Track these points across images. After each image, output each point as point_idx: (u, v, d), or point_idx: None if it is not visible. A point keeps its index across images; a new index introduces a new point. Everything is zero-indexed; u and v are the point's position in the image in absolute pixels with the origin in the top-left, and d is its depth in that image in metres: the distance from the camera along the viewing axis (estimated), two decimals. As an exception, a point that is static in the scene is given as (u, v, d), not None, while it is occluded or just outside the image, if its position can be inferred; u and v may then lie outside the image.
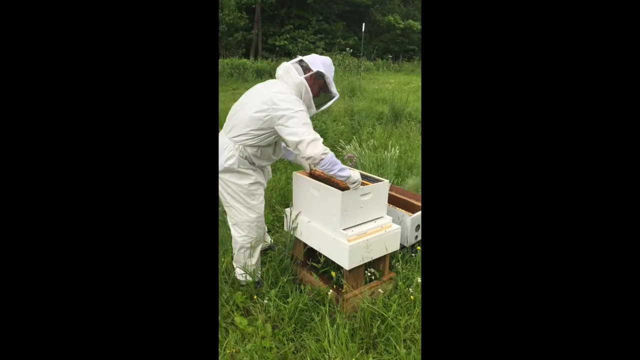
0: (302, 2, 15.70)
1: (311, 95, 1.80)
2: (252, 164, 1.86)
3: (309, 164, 1.85)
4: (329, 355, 1.57)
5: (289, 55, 14.17)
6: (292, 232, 2.08)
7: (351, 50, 14.93)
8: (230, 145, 1.82)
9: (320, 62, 1.82)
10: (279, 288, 1.90)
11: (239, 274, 2.03)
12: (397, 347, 1.55)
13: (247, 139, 1.80)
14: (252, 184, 1.88)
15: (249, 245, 1.97)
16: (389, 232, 1.92)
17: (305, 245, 2.06)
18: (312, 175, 2.05)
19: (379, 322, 1.69)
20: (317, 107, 1.86)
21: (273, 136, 1.81)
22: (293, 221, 2.03)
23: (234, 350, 1.62)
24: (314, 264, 1.95)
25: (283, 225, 2.70)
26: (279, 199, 3.11)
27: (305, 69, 1.81)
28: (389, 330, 1.67)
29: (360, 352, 1.60)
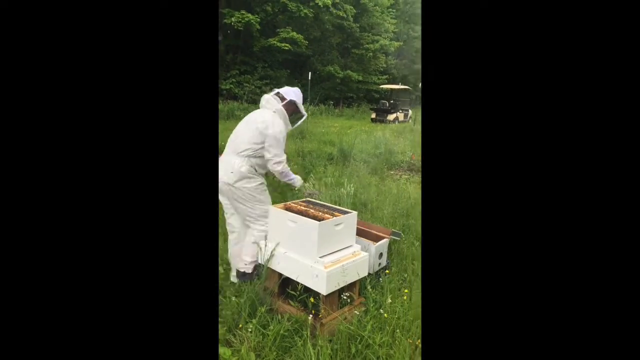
0: (247, 49, 16.39)
1: (287, 116, 2.46)
2: (256, 171, 2.40)
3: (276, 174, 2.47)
4: (313, 377, 1.66)
5: (235, 99, 14.46)
6: (266, 264, 2.19)
7: (295, 96, 15.66)
8: (238, 159, 2.36)
9: (292, 92, 2.52)
10: (259, 318, 1.97)
11: (233, 276, 2.47)
12: (376, 362, 1.70)
13: (251, 152, 2.36)
14: (259, 184, 2.42)
15: (263, 237, 2.33)
16: (359, 258, 2.12)
17: (280, 276, 2.17)
18: (287, 208, 2.22)
19: (356, 341, 1.83)
20: (292, 124, 2.53)
21: None
22: (271, 252, 2.15)
23: (220, 381, 1.65)
24: (292, 292, 2.06)
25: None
26: (243, 236, 3.18)
27: (282, 98, 2.47)
28: (365, 348, 1.82)
29: (342, 371, 1.72)
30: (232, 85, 15.26)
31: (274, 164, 2.36)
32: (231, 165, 2.35)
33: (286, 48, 16.11)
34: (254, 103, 14.42)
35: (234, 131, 2.51)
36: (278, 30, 16.46)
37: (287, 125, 2.46)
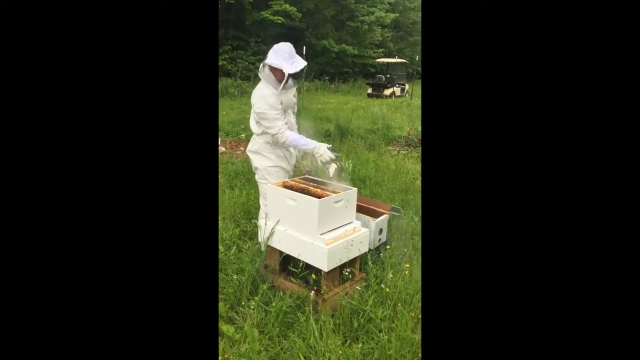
0: (239, 24, 15.89)
1: (276, 80, 2.22)
2: (272, 148, 2.35)
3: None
4: (316, 351, 1.69)
5: (229, 76, 14.14)
6: (267, 242, 2.18)
7: (290, 72, 15.32)
8: (256, 137, 2.37)
9: (271, 54, 2.21)
10: (261, 295, 1.98)
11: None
12: (379, 336, 1.73)
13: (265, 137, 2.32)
14: (271, 166, 2.38)
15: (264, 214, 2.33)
16: (359, 235, 2.12)
17: (280, 254, 2.17)
18: (287, 186, 2.19)
19: (358, 316, 1.85)
20: (284, 86, 2.21)
21: None
22: (271, 230, 2.14)
23: (225, 357, 1.67)
24: (293, 269, 2.06)
25: (250, 238, 2.77)
26: (242, 214, 3.17)
27: (263, 65, 2.25)
28: (367, 322, 1.85)
29: (345, 345, 1.75)
30: (224, 62, 14.88)
31: (274, 136, 2.23)
32: (252, 143, 2.42)
33: (279, 21, 15.63)
34: (248, 79, 14.13)
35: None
36: (270, 2, 15.92)
37: (275, 90, 2.21)
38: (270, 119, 2.21)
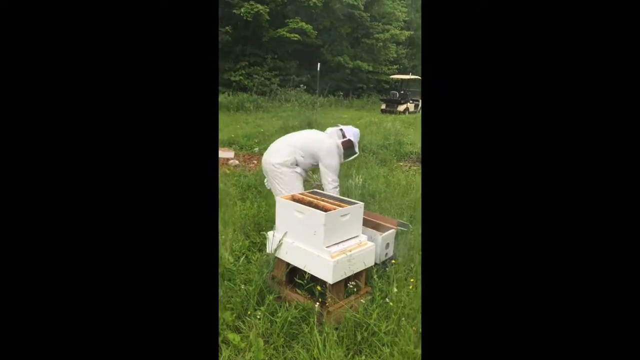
0: (256, 40, 16.34)
1: (342, 151, 2.89)
2: (297, 165, 2.85)
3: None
4: (320, 362, 1.71)
5: (245, 90, 14.48)
6: (275, 253, 2.23)
7: (305, 87, 15.64)
8: (290, 154, 2.81)
9: (351, 132, 2.93)
10: (267, 305, 2.02)
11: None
12: (381, 349, 1.74)
13: (299, 158, 2.82)
14: (293, 171, 2.81)
15: None
16: (365, 248, 2.15)
17: (287, 265, 2.22)
18: (295, 199, 2.25)
19: (362, 329, 1.87)
20: (345, 157, 2.95)
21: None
22: (279, 242, 2.19)
23: (230, 365, 1.71)
24: (299, 280, 2.10)
25: (260, 249, 2.82)
26: (252, 226, 3.24)
27: (343, 135, 2.90)
28: (371, 336, 1.86)
29: (348, 357, 1.77)
30: (241, 77, 15.27)
31: (332, 188, 2.79)
32: (280, 151, 2.82)
33: (295, 38, 16.02)
34: (264, 94, 14.43)
35: (302, 133, 3.01)
36: (287, 20, 16.35)
37: (340, 157, 2.90)
38: (337, 174, 2.85)
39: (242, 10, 14.54)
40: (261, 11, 14.76)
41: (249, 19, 14.85)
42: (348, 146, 2.93)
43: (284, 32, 15.89)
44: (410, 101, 15.79)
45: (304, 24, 16.10)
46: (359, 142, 3.02)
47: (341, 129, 2.93)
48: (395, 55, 21.57)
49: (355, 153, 3.00)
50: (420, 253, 2.69)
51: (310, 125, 8.48)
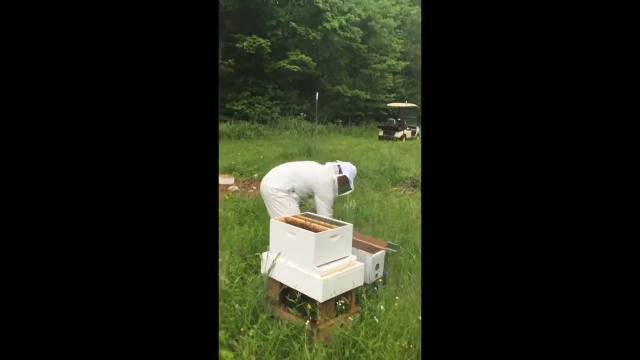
0: (258, 72, 16.95)
1: (337, 186, 3.12)
2: (294, 191, 3.07)
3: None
4: (309, 378, 1.78)
5: (247, 119, 14.88)
6: (269, 273, 2.33)
7: (305, 115, 16.04)
8: (287, 182, 3.03)
9: (348, 169, 3.17)
10: (260, 324, 2.10)
11: None
12: (368, 365, 1.82)
13: (296, 186, 3.05)
14: (288, 196, 3.06)
15: None
16: (354, 268, 2.25)
17: (280, 285, 2.31)
18: (288, 221, 2.38)
19: (350, 346, 1.95)
20: (339, 192, 3.18)
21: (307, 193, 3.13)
22: (272, 262, 2.30)
23: (222, 381, 1.78)
24: (291, 299, 2.19)
25: (255, 272, 2.91)
26: (249, 249, 3.34)
27: (339, 171, 3.13)
28: (358, 353, 1.93)
29: (336, 373, 1.83)
30: (243, 106, 15.73)
31: (329, 214, 3.03)
32: (279, 177, 3.06)
33: (296, 70, 16.60)
34: (264, 123, 14.78)
35: (301, 164, 3.28)
36: (288, 52, 17.02)
37: (335, 192, 3.13)
38: (331, 204, 3.13)
39: (245, 44, 15.19)
40: (263, 44, 15.40)
41: (251, 52, 15.47)
42: (343, 182, 3.15)
43: (285, 64, 16.50)
44: (407, 128, 16.15)
45: (303, 55, 16.74)
46: (355, 179, 3.26)
47: (338, 165, 3.16)
48: (392, 84, 22.22)
49: (350, 189, 3.22)
50: (410, 274, 2.77)
51: (309, 152, 8.70)
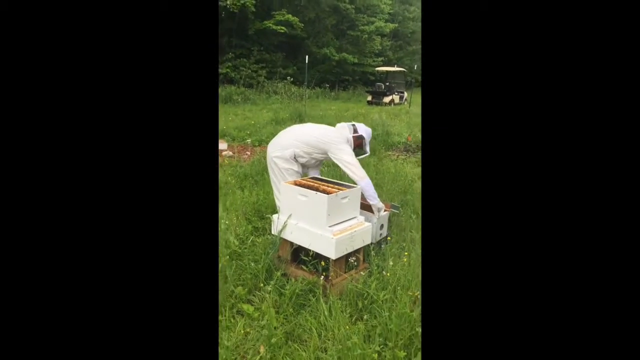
0: (242, 33, 16.28)
1: (352, 147, 2.78)
2: (296, 160, 2.80)
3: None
4: (326, 327, 1.93)
5: (232, 83, 14.47)
6: (280, 234, 2.43)
7: (292, 79, 15.71)
8: (291, 148, 2.74)
9: (364, 129, 2.87)
10: (276, 280, 2.22)
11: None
12: (381, 314, 1.97)
13: (302, 152, 2.75)
14: (290, 167, 2.77)
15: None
16: (363, 228, 2.37)
17: (292, 245, 2.42)
18: (298, 184, 2.45)
19: (362, 298, 2.10)
20: (355, 155, 2.77)
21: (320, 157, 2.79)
22: (284, 223, 2.39)
23: (246, 331, 1.91)
24: (305, 257, 2.31)
25: (262, 234, 3.01)
26: (253, 213, 3.42)
27: (355, 130, 2.83)
28: (370, 304, 2.09)
29: (352, 321, 1.99)
30: (228, 69, 15.23)
31: (361, 180, 2.58)
32: (278, 145, 2.78)
33: (282, 31, 16.02)
34: (251, 87, 14.43)
35: (306, 126, 2.90)
36: (273, 12, 16.33)
37: (352, 151, 2.75)
38: (358, 166, 2.65)
39: (228, 2, 14.45)
40: (247, 3, 14.70)
41: (235, 10, 14.77)
42: (358, 143, 2.82)
43: (270, 24, 15.88)
44: (396, 93, 16.07)
45: (290, 16, 16.11)
46: (369, 142, 2.91)
47: (353, 124, 2.85)
48: (380, 47, 21.79)
49: (366, 152, 2.90)
50: (411, 232, 2.93)
51: (300, 117, 8.64)
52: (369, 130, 2.92)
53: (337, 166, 2.76)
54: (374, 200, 2.61)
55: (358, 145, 2.85)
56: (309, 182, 2.50)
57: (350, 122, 2.92)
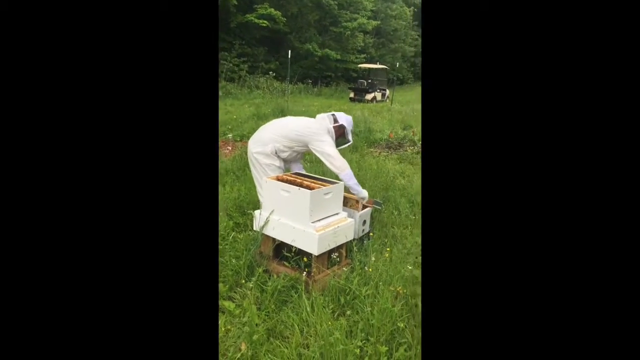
0: (223, 26, 15.98)
1: (334, 138, 2.76)
2: (277, 156, 2.76)
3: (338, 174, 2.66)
4: (308, 323, 1.92)
5: (212, 76, 14.17)
6: (261, 230, 2.40)
7: (274, 74, 15.56)
8: (271, 142, 2.71)
9: (344, 118, 2.84)
10: (257, 276, 2.19)
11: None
12: (363, 309, 1.98)
13: (282, 147, 2.72)
14: (272, 163, 2.75)
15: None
16: (346, 224, 2.37)
17: (274, 241, 2.39)
18: (280, 179, 2.42)
19: (345, 294, 2.10)
20: (337, 145, 2.77)
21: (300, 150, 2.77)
22: (266, 219, 2.36)
23: (227, 328, 1.88)
24: (287, 253, 2.29)
25: (243, 230, 2.97)
26: (234, 209, 3.37)
27: (335, 120, 2.79)
28: (353, 299, 2.09)
29: (334, 317, 1.99)
30: (208, 63, 14.92)
31: (348, 180, 2.62)
32: (258, 141, 2.75)
33: (264, 25, 15.82)
34: (232, 81, 14.20)
35: (282, 121, 2.86)
36: (255, 6, 16.10)
37: (332, 140, 2.75)
38: (340, 158, 2.67)
39: (209, -7, 14.14)
40: (229, -5, 14.46)
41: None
42: (340, 133, 2.78)
43: (252, 18, 15.65)
44: (378, 90, 16.18)
45: (272, 10, 15.93)
46: (352, 131, 2.89)
47: (333, 114, 2.81)
48: (362, 44, 21.86)
49: (348, 141, 2.87)
50: (393, 228, 2.95)
51: (283, 112, 8.58)
52: (350, 118, 2.89)
53: (321, 162, 2.75)
54: (356, 190, 2.65)
55: (340, 134, 2.83)
56: (292, 178, 2.47)
57: (331, 113, 2.88)
